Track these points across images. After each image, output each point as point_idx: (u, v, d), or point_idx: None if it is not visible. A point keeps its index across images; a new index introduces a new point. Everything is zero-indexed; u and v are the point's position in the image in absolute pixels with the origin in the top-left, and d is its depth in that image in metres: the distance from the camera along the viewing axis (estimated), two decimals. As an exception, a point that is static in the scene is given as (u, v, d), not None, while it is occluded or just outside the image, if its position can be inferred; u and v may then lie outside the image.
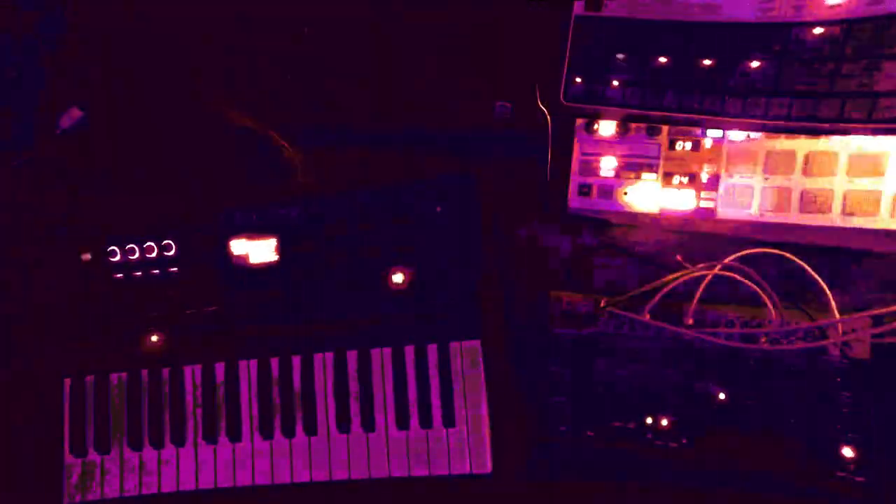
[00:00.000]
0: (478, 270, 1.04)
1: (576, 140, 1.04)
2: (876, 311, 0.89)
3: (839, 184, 0.96)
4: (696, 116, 0.99)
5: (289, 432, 1.05)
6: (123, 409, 1.10)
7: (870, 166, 0.94)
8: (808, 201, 0.97)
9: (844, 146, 0.95)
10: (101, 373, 1.11)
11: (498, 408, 1.01)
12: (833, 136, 0.95)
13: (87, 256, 1.10)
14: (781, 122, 0.96)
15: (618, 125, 1.03)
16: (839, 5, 0.93)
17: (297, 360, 1.07)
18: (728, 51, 0.97)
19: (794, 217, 0.97)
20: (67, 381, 1.11)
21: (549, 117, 1.04)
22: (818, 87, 0.94)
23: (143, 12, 1.21)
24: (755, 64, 0.96)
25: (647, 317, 0.97)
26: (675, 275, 0.97)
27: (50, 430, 1.11)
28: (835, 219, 0.96)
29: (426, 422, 1.01)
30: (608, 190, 1.03)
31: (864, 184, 0.94)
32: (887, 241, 0.95)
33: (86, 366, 1.11)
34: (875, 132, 0.92)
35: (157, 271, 1.09)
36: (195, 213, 1.10)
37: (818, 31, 0.93)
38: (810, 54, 0.94)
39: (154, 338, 1.09)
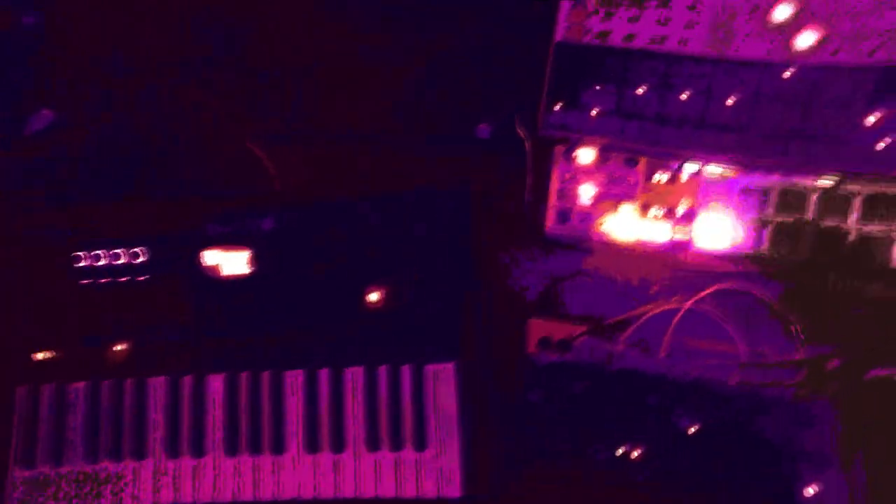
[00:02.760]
0: (455, 292, 1.03)
1: (555, 167, 1.05)
2: (839, 351, 0.92)
3: (811, 221, 0.98)
4: (671, 150, 1.01)
5: (255, 449, 1.02)
6: (80, 420, 1.06)
7: (840, 206, 0.97)
8: (780, 238, 0.99)
9: (814, 185, 0.98)
10: (59, 382, 1.07)
11: (470, 432, 1.00)
12: (802, 175, 0.98)
13: (52, 261, 1.06)
14: (754, 159, 0.98)
15: (597, 154, 1.05)
16: (807, 49, 0.96)
17: (266, 376, 1.05)
18: (705, 86, 0.99)
19: (766, 252, 1.00)
20: (21, 390, 1.07)
21: (528, 143, 1.05)
22: (789, 127, 0.96)
23: (120, 17, 1.18)
24: (729, 101, 0.99)
25: (622, 347, 0.98)
26: (649, 306, 0.99)
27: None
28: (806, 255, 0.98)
29: (397, 444, 1.00)
30: (586, 217, 1.04)
31: (835, 222, 0.97)
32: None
33: (44, 374, 1.07)
34: (842, 175, 0.95)
35: (125, 279, 1.06)
36: (167, 220, 1.07)
37: (787, 74, 0.96)
38: (782, 95, 0.97)
39: (119, 347, 1.05)
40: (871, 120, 0.94)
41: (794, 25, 0.96)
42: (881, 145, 0.93)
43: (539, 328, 1.03)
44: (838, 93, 0.95)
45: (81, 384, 1.07)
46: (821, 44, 0.95)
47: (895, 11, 0.92)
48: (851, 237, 0.96)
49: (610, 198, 1.04)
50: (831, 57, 0.95)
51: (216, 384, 1.05)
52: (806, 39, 0.96)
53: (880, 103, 0.93)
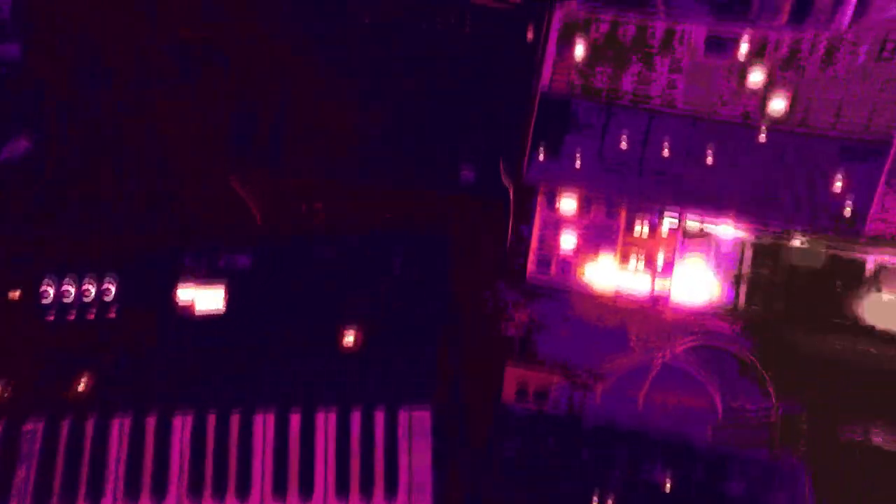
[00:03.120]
0: (432, 336, 1.02)
1: (537, 214, 1.06)
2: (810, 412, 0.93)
3: (783, 278, 1.00)
4: (650, 202, 1.03)
5: (220, 493, 0.99)
6: (35, 461, 1.00)
7: (812, 265, 0.99)
8: (755, 293, 1.01)
9: (787, 244, 1.00)
10: (14, 420, 1.01)
11: (443, 481, 0.98)
12: (775, 233, 1.00)
13: (14, 294, 1.02)
14: (729, 216, 1.00)
15: (579, 202, 1.06)
16: (779, 115, 0.99)
17: (235, 418, 1.02)
18: (684, 143, 1.02)
19: (741, 307, 1.01)
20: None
21: (511, 189, 1.06)
22: (764, 187, 0.99)
23: (97, 47, 1.17)
24: (708, 160, 1.01)
25: (599, 398, 0.98)
26: (627, 357, 0.99)
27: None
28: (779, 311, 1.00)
29: (367, 490, 0.98)
30: (566, 265, 1.05)
31: (807, 280, 0.99)
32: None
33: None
34: (816, 236, 0.98)
35: (92, 315, 1.02)
36: (141, 253, 1.04)
37: (761, 137, 0.99)
38: (757, 156, 0.99)
39: (81, 386, 1.01)
40: (837, 185, 0.97)
41: (767, 91, 1.00)
42: (847, 210, 0.96)
43: (516, 375, 1.02)
44: (808, 158, 0.98)
45: (39, 424, 1.02)
46: (791, 111, 0.98)
47: (859, 84, 0.95)
48: (822, 295, 0.98)
49: (590, 247, 1.05)
50: (800, 124, 0.98)
51: (182, 424, 1.02)
52: (777, 105, 0.99)
53: (846, 170, 0.96)
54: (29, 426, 1.01)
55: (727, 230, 1.02)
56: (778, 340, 0.99)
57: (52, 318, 1.03)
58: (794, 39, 0.99)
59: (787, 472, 0.94)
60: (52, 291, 1.03)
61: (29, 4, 1.13)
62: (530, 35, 1.11)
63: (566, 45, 1.05)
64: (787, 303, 0.99)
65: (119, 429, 1.01)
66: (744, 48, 1.00)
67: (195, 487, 0.99)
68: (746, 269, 1.01)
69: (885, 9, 0.98)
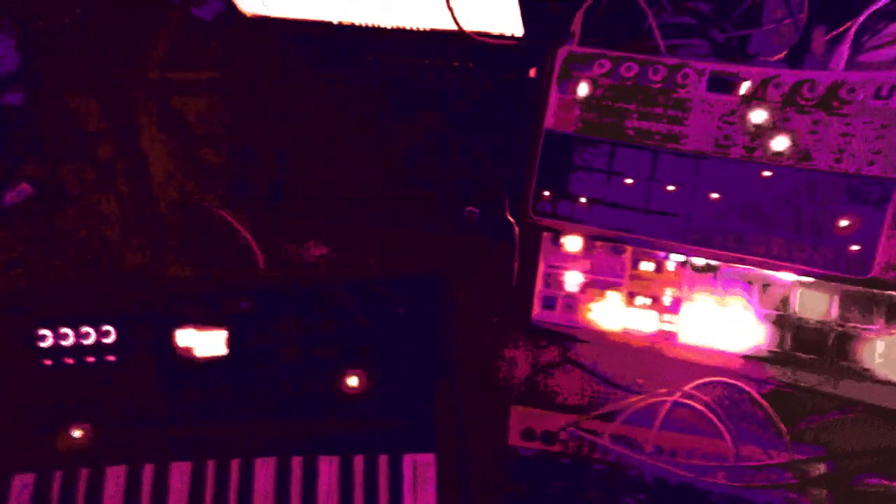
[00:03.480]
0: (437, 379, 1.00)
1: (542, 253, 1.05)
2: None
3: (792, 317, 0.98)
4: (657, 240, 1.02)
5: (219, 544, 0.96)
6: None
7: (819, 305, 0.98)
8: (764, 332, 0.99)
9: (795, 282, 0.99)
10: (3, 472, 0.98)
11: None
12: (783, 272, 0.99)
13: (12, 339, 1.00)
14: (735, 255, 0.99)
15: (584, 241, 1.05)
16: (783, 154, 0.98)
17: (235, 464, 0.99)
18: (690, 180, 1.01)
19: (751, 346, 0.99)
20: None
21: (516, 228, 1.05)
22: (772, 226, 0.98)
23: (101, 85, 1.18)
24: (714, 195, 1.00)
25: (608, 441, 0.96)
26: (636, 398, 0.97)
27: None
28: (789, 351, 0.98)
29: (371, 541, 0.95)
30: (572, 305, 1.03)
31: (816, 320, 0.98)
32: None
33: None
34: (821, 277, 0.97)
35: (92, 359, 1.00)
36: (141, 297, 1.03)
37: (767, 174, 0.99)
38: (763, 195, 0.99)
39: (77, 433, 0.99)
40: (843, 224, 0.96)
41: (770, 129, 1.00)
42: (854, 248, 0.95)
43: (521, 417, 1.00)
44: (812, 196, 0.97)
45: (26, 476, 0.98)
46: (794, 148, 0.98)
47: (864, 127, 0.95)
48: (832, 336, 0.97)
49: (596, 286, 1.04)
50: (803, 161, 0.98)
51: (180, 473, 0.99)
52: (780, 143, 0.99)
53: (851, 209, 0.95)
54: (19, 478, 0.98)
55: (734, 267, 1.01)
56: (790, 382, 0.97)
57: (49, 362, 1.01)
58: (795, 80, 0.99)
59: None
60: (50, 336, 1.01)
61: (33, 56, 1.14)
62: (532, 73, 1.11)
63: (569, 82, 1.06)
64: (797, 342, 0.98)
65: (114, 478, 0.99)
66: (745, 86, 1.01)
67: (194, 537, 0.96)
68: (755, 306, 1.00)
69: (880, 51, 0.99)
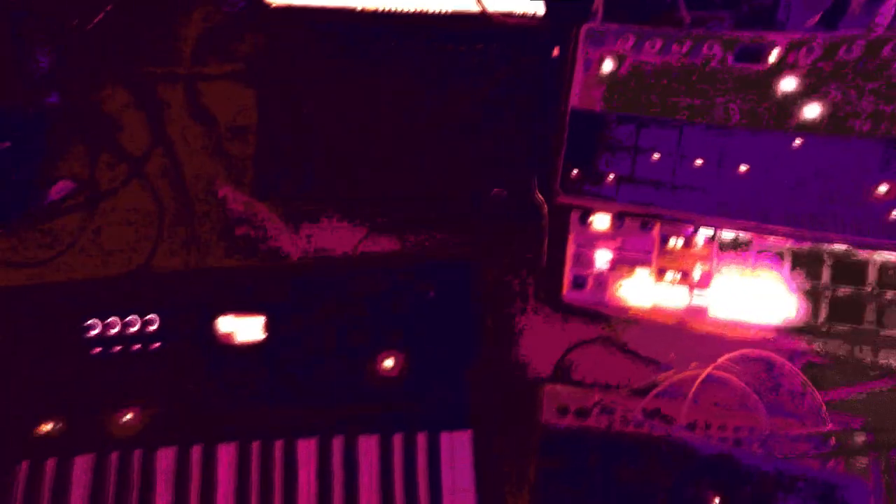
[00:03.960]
0: (470, 359, 1.02)
1: (571, 232, 1.05)
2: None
3: (826, 287, 0.98)
4: (685, 215, 1.02)
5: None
6: (85, 495, 1.02)
7: (855, 274, 0.97)
8: (796, 303, 0.98)
9: (829, 250, 0.98)
10: (63, 456, 1.03)
11: (486, 501, 0.98)
12: (815, 242, 0.98)
13: (62, 330, 1.05)
14: (767, 226, 0.99)
15: (612, 219, 1.05)
16: (815, 122, 0.97)
17: (279, 445, 1.03)
18: (717, 154, 1.00)
19: (784, 318, 0.99)
20: (24, 465, 1.03)
21: (545, 208, 1.05)
22: (801, 195, 0.97)
23: (132, 81, 1.21)
24: (742, 168, 0.99)
25: (640, 415, 0.97)
26: (668, 373, 0.98)
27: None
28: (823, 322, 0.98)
29: (411, 511, 0.98)
30: (602, 282, 1.04)
31: (852, 289, 0.97)
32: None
33: (47, 449, 1.03)
34: (858, 245, 0.96)
35: (137, 347, 1.05)
36: (182, 287, 1.07)
37: (797, 142, 0.97)
38: (793, 164, 0.97)
39: (127, 417, 1.03)
40: (882, 190, 0.95)
41: (801, 96, 0.98)
42: (892, 215, 0.94)
43: (555, 394, 1.01)
44: (849, 163, 0.96)
45: (86, 457, 1.04)
46: (826, 115, 0.97)
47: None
48: (870, 305, 0.96)
49: (625, 263, 1.04)
50: (836, 129, 0.96)
51: (225, 454, 1.03)
52: (812, 110, 0.97)
53: (890, 174, 0.94)
54: (77, 460, 1.03)
55: (764, 239, 1.00)
56: (825, 352, 0.97)
57: (97, 350, 1.05)
58: (827, 43, 0.97)
59: (846, 495, 0.91)
60: (98, 325, 1.05)
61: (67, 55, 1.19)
62: (556, 52, 1.11)
63: (593, 60, 1.05)
64: (830, 313, 0.97)
65: (165, 458, 1.03)
66: (775, 53, 0.99)
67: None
68: (787, 278, 0.99)
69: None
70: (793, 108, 0.98)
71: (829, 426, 0.92)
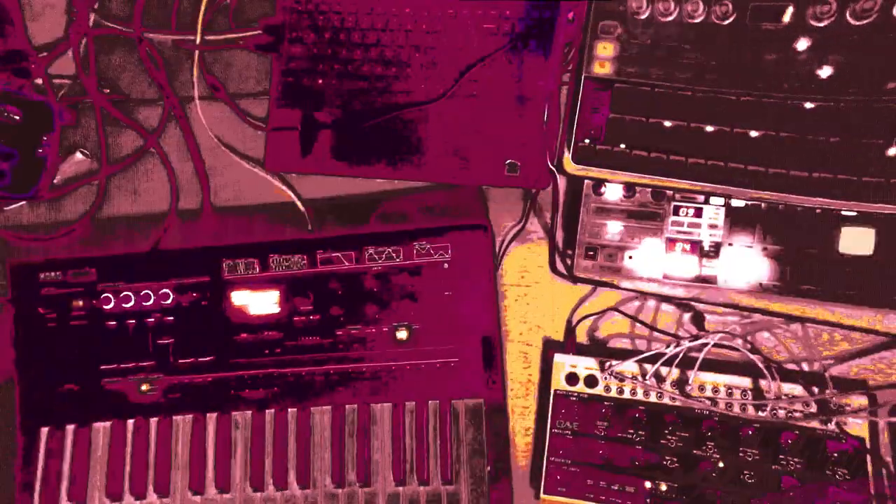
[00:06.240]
0: (483, 326, 1.04)
1: (583, 202, 1.06)
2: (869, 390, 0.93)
3: (835, 254, 0.98)
4: (695, 184, 1.01)
5: (281, 484, 1.02)
6: (105, 459, 1.05)
7: (863, 240, 0.97)
8: (806, 272, 0.99)
9: (838, 217, 0.98)
10: (83, 422, 1.06)
11: (498, 467, 1.00)
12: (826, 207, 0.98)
13: (78, 303, 1.05)
14: (778, 194, 0.99)
15: (624, 189, 1.05)
16: (829, 83, 0.96)
17: (293, 413, 1.05)
18: (730, 119, 1.00)
19: (792, 286, 1.00)
20: (44, 430, 1.06)
21: (557, 178, 1.05)
22: (814, 160, 0.97)
23: (143, 51, 1.18)
24: (755, 133, 0.99)
25: (650, 382, 0.99)
26: (676, 341, 0.99)
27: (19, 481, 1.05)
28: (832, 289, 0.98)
29: (424, 479, 1.01)
30: (613, 253, 1.05)
31: (862, 255, 0.97)
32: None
33: (68, 415, 1.06)
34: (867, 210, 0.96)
35: (152, 320, 1.05)
36: (198, 260, 1.07)
37: (810, 105, 0.97)
38: (806, 128, 0.97)
39: (144, 387, 1.05)
40: (892, 152, 0.95)
41: (816, 58, 0.97)
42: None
43: (565, 363, 1.03)
44: (860, 126, 0.95)
45: (106, 423, 1.06)
46: (841, 76, 0.96)
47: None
48: (878, 271, 0.97)
49: (637, 232, 1.04)
50: (850, 92, 0.96)
51: (243, 420, 1.05)
52: (826, 72, 0.97)
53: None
54: (97, 426, 1.06)
55: (776, 207, 1.00)
56: (834, 320, 0.98)
57: (113, 323, 1.06)
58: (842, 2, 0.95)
59: (846, 449, 0.93)
60: (112, 299, 1.06)
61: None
62: (570, 15, 1.09)
63: (605, 25, 1.04)
64: (839, 280, 0.98)
65: (182, 424, 1.05)
66: (789, 12, 0.98)
67: (257, 480, 1.03)
68: (797, 246, 1.00)
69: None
70: (807, 69, 0.97)
71: (833, 390, 0.94)
